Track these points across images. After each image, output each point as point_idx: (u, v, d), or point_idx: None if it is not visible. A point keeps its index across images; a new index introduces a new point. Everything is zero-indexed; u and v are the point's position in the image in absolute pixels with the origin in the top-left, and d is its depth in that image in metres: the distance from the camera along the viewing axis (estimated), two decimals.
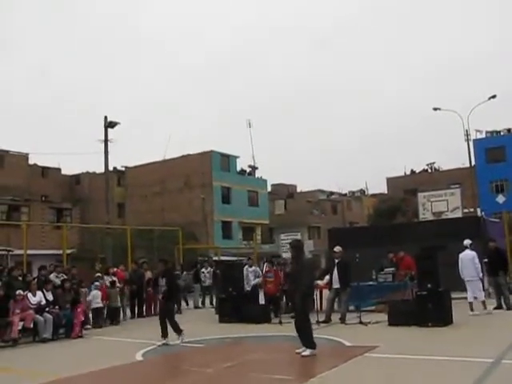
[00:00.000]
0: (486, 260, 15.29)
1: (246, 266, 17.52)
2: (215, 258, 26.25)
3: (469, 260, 14.39)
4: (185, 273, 23.00)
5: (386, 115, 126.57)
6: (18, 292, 13.14)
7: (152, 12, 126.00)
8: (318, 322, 13.83)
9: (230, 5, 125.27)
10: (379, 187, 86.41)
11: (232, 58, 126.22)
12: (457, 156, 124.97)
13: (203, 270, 22.36)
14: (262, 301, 16.45)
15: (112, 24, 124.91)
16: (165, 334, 11.78)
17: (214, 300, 20.33)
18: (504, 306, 14.77)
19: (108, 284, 16.83)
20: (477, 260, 14.42)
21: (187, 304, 21.90)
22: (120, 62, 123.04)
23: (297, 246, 10.40)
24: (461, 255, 14.60)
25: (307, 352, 9.40)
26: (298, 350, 9.56)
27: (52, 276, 15.83)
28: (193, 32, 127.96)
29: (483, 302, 14.25)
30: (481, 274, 14.55)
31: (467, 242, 14.78)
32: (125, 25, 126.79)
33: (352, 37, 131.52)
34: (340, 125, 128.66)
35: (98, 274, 17.31)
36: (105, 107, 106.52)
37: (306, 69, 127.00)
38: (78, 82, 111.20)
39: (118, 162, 63.70)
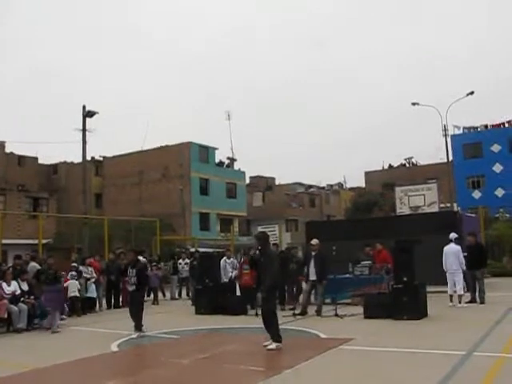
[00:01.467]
0: (465, 254, 15.47)
1: (225, 258, 17.50)
2: (192, 250, 26.18)
3: (453, 253, 14.68)
4: (162, 263, 22.98)
5: (365, 110, 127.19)
6: None
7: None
8: (294, 315, 13.92)
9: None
10: (357, 181, 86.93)
11: (216, 51, 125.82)
12: (434, 151, 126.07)
13: (180, 261, 22.32)
14: (238, 292, 16.47)
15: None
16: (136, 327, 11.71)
17: (191, 291, 20.31)
18: (478, 299, 14.96)
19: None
20: (461, 254, 14.71)
21: (164, 295, 21.88)
22: (102, 52, 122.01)
23: (262, 238, 10.23)
24: (445, 248, 14.83)
25: (273, 345, 9.36)
26: (265, 343, 9.53)
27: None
28: (179, 22, 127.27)
29: (460, 296, 14.46)
30: (464, 268, 14.76)
31: (453, 235, 15.01)
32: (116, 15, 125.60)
33: (332, 30, 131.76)
34: (319, 119, 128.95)
35: (74, 264, 17.22)
36: (84, 96, 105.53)
37: (289, 61, 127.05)
38: (60, 69, 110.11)
39: (96, 151, 63.12)
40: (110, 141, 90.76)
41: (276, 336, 9.48)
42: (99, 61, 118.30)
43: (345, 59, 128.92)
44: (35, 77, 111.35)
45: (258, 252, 10.43)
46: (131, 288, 11.87)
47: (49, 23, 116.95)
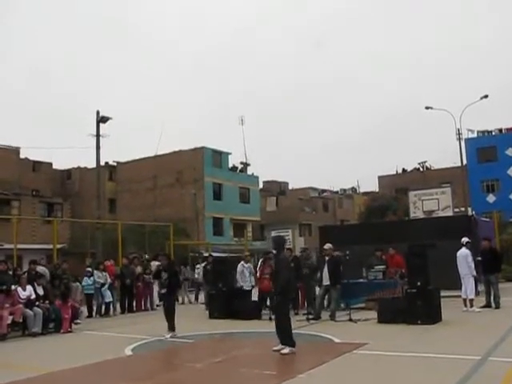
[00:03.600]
0: (479, 258, 15.39)
1: (242, 262, 17.36)
2: (206, 254, 26.21)
3: (463, 257, 14.63)
4: (187, 268, 23.13)
5: (379, 114, 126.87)
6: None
7: (148, 4, 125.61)
8: (308, 319, 13.90)
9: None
10: (371, 185, 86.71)
11: (228, 55, 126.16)
12: (448, 155, 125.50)
13: (197, 265, 22.35)
14: (255, 297, 16.34)
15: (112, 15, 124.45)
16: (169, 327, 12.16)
17: (204, 296, 20.29)
18: (493, 304, 14.87)
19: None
20: (470, 258, 14.64)
21: (178, 300, 21.91)
22: (113, 58, 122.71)
23: (277, 242, 10.28)
24: (458, 253, 14.77)
25: (286, 350, 9.34)
26: (275, 348, 9.51)
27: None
28: (190, 25, 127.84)
29: (471, 301, 14.38)
30: (474, 272, 14.69)
31: (464, 239, 14.96)
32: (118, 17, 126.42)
33: (346, 34, 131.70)
34: (333, 123, 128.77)
35: (89, 269, 17.40)
36: (98, 102, 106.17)
37: (302, 66, 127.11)
38: (73, 75, 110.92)
39: (109, 157, 63.44)
40: (124, 146, 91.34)
41: (290, 340, 9.46)
42: (114, 66, 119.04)
43: (357, 60, 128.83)
44: (49, 82, 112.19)
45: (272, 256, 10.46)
46: (163, 291, 12.44)
47: (62, 27, 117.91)
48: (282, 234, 28.01)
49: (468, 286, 14.51)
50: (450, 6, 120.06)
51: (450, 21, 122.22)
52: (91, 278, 17.53)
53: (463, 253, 14.73)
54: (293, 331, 9.70)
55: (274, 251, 10.23)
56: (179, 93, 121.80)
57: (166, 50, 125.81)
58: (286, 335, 9.55)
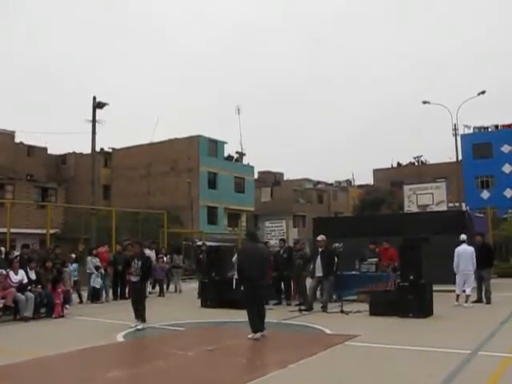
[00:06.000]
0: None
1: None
2: (199, 243, 26.17)
3: (468, 254, 14.63)
4: (180, 256, 23.01)
5: (375, 108, 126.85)
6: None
7: None
8: (300, 310, 13.93)
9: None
10: (366, 178, 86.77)
11: (228, 45, 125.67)
12: (444, 150, 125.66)
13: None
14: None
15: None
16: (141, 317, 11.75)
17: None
18: (484, 299, 14.94)
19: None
20: (474, 255, 14.62)
21: (168, 288, 21.92)
22: (112, 45, 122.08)
23: (248, 234, 10.64)
24: (458, 249, 14.77)
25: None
26: (251, 336, 9.82)
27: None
28: (192, 17, 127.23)
29: (467, 296, 14.43)
30: (474, 269, 14.72)
31: (464, 236, 15.00)
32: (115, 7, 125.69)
33: (343, 28, 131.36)
34: (329, 115, 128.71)
35: (73, 255, 17.63)
36: (95, 87, 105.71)
37: (299, 58, 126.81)
38: (71, 60, 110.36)
39: (105, 143, 63.13)
40: (120, 132, 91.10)
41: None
42: (110, 54, 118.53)
43: (357, 58, 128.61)
44: (46, 67, 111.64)
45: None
46: (135, 279, 11.91)
47: (61, 12, 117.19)
48: (276, 224, 27.98)
49: (469, 283, 14.56)
50: (449, 3, 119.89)
51: (451, 15, 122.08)
52: (73, 265, 17.50)
53: (468, 250, 14.71)
54: (285, 322, 9.78)
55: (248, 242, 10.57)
56: (178, 80, 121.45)
57: (166, 37, 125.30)
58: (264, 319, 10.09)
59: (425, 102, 41.94)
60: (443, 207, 23.93)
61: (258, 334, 9.78)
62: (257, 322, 9.92)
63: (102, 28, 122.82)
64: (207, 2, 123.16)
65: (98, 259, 18.00)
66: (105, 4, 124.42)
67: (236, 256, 15.07)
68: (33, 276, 13.92)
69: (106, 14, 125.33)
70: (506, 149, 53.55)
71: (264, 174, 68.28)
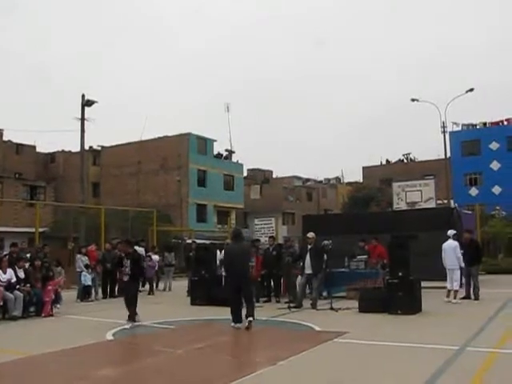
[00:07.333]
0: (461, 251, 15.51)
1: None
2: (189, 241, 26.19)
3: (451, 249, 14.71)
4: (171, 254, 22.96)
5: (364, 105, 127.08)
6: None
7: None
8: (289, 307, 13.94)
9: None
10: (355, 176, 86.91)
11: (226, 47, 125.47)
12: (432, 148, 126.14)
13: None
14: None
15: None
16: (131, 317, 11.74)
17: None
18: (472, 295, 15.04)
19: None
20: (458, 250, 14.73)
21: (157, 286, 21.92)
22: (101, 40, 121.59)
23: (233, 233, 11.02)
24: (444, 244, 14.85)
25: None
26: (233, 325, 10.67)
27: None
28: (189, 15, 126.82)
29: (455, 292, 14.52)
30: (462, 264, 14.79)
31: (451, 232, 15.07)
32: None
33: (334, 26, 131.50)
34: (319, 113, 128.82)
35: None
36: (84, 85, 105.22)
37: (290, 55, 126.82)
38: (59, 60, 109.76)
39: (94, 141, 62.90)
40: (109, 130, 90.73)
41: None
42: (99, 53, 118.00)
43: (346, 56, 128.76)
44: (34, 67, 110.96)
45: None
46: (126, 278, 11.90)
47: (59, 16, 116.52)
48: (265, 221, 28.07)
49: (455, 278, 14.63)
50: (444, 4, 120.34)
51: (442, 12, 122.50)
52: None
53: (452, 244, 14.80)
54: (274, 319, 9.82)
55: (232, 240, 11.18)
56: (167, 79, 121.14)
57: (160, 38, 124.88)
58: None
59: (414, 100, 42.14)
60: (432, 204, 24.09)
61: (239, 324, 10.48)
62: (239, 315, 10.76)
63: (102, 28, 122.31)
64: (207, 2, 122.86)
65: (87, 257, 17.95)
66: (100, 3, 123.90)
67: (222, 253, 15.15)
68: (21, 275, 13.84)
69: (100, 13, 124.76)
70: (494, 146, 53.76)
71: (253, 172, 68.31)
